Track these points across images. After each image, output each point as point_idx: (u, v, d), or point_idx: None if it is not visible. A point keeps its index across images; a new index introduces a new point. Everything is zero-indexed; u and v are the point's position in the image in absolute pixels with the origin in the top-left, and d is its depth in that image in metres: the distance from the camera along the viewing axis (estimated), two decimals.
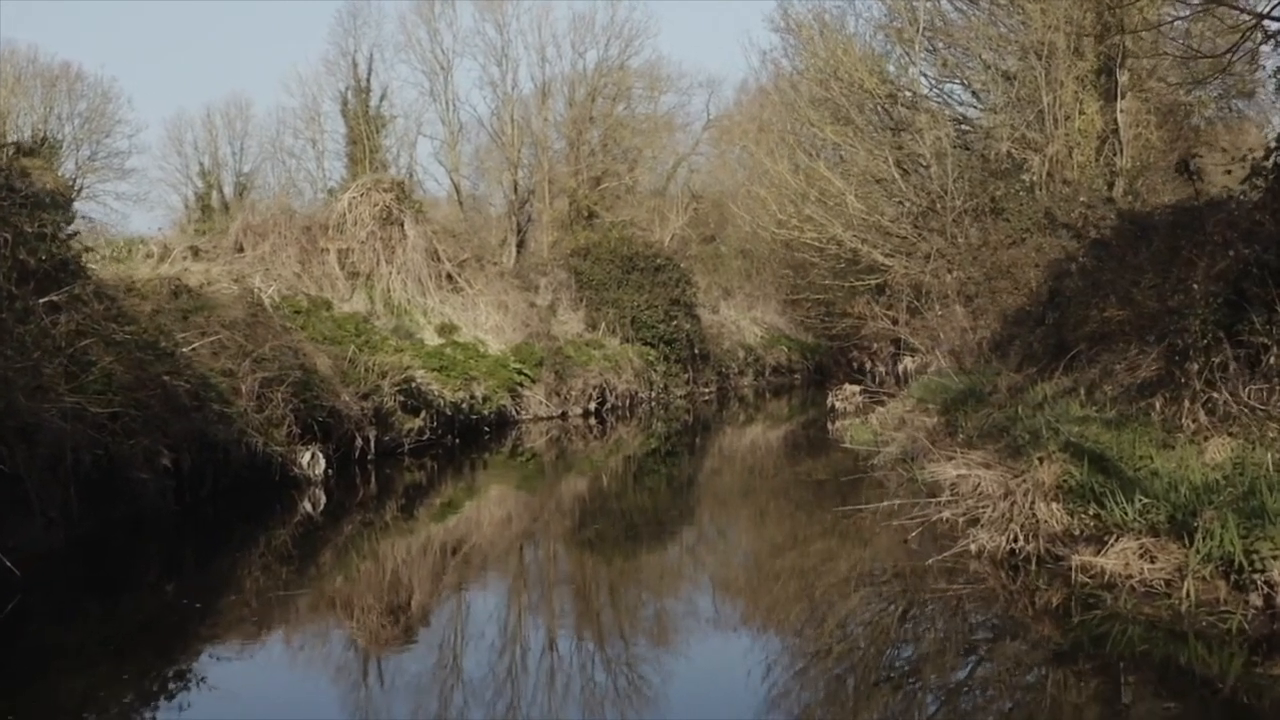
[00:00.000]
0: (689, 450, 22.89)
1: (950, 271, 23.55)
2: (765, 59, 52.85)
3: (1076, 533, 9.14)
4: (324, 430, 16.02)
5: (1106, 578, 8.48)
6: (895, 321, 23.30)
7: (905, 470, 14.18)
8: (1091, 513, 9.14)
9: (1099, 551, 8.73)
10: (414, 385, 18.54)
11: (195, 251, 22.25)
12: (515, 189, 50.24)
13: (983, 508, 9.97)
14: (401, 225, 25.68)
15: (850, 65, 30.54)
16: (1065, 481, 9.40)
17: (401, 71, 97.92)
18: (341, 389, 16.62)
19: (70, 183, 54.01)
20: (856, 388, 24.83)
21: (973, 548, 9.50)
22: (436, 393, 19.44)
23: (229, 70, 79.65)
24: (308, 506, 14.44)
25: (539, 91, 50.30)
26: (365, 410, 16.91)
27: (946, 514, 10.33)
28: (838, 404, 24.61)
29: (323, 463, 15.03)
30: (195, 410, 12.87)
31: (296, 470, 14.52)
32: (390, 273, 25.20)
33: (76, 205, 52.51)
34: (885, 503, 11.84)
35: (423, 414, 18.70)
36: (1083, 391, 12.38)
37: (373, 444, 16.97)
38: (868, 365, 42.04)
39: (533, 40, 61.09)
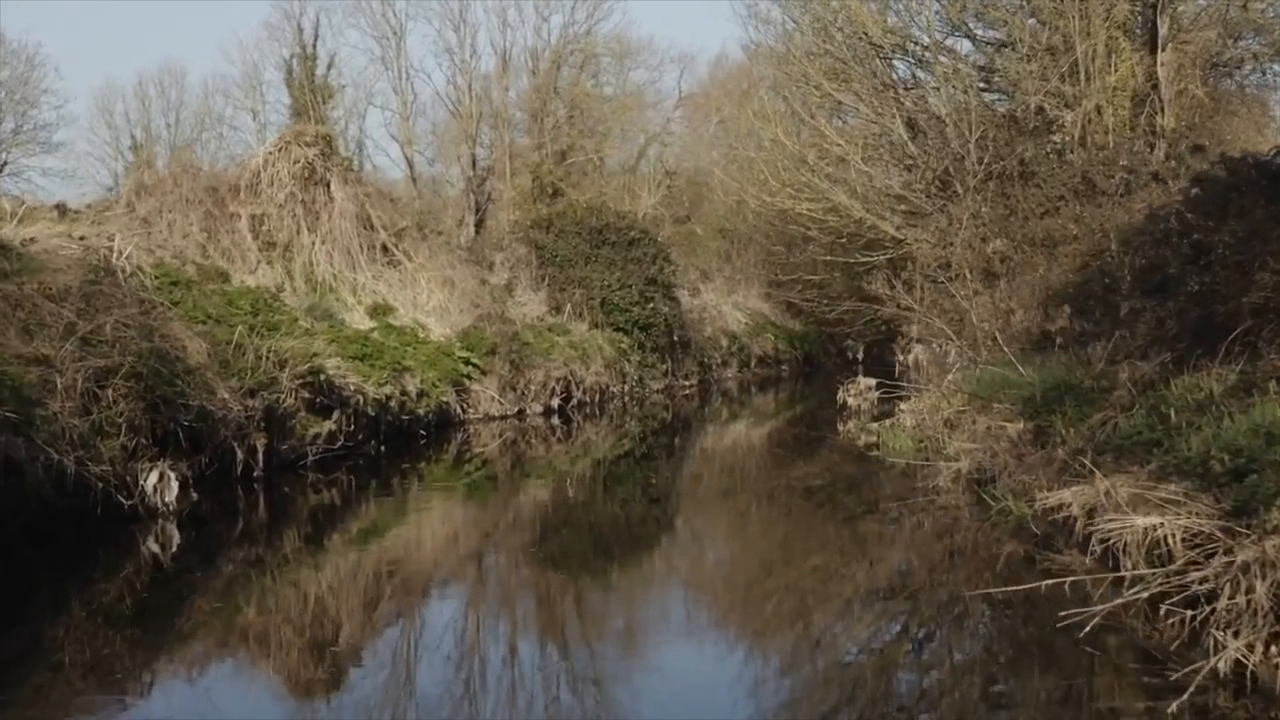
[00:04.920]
0: (667, 454, 18.85)
1: (988, 241, 19.59)
2: (751, 11, 48.78)
3: None
4: (192, 439, 11.81)
5: None
6: (920, 302, 19.31)
7: (992, 499, 10.15)
8: None
9: None
10: (324, 378, 14.31)
11: (62, 211, 17.87)
12: (474, 164, 46.11)
13: (1204, 585, 5.94)
14: (327, 186, 21.34)
15: (854, 9, 26.55)
16: None
17: (351, 37, 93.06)
18: (219, 383, 12.38)
19: None
20: (872, 381, 20.86)
21: (1221, 665, 5.41)
22: (355, 387, 15.19)
23: (162, 35, 73.89)
24: (154, 547, 10.26)
25: (499, 59, 46.15)
26: (252, 411, 12.69)
27: (1142, 594, 6.22)
28: (850, 400, 20.59)
29: (175, 486, 10.76)
30: None
31: (126, 499, 10.23)
32: (314, 242, 20.83)
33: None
34: (1042, 582, 6.98)
35: (336, 414, 14.50)
36: (1272, 388, 8.42)
37: (262, 456, 12.75)
38: (860, 356, 38.32)
39: (493, 3, 56.44)
